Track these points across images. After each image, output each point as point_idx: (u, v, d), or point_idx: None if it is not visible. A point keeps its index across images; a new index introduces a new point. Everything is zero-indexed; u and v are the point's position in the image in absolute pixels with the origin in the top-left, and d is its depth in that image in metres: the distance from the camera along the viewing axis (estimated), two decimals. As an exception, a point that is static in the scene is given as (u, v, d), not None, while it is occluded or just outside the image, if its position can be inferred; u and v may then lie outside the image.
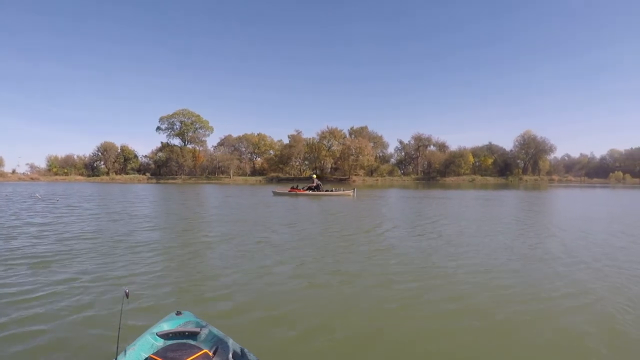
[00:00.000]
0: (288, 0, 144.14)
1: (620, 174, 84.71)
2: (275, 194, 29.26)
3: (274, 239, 9.19)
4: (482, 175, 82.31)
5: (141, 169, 78.19)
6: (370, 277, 5.83)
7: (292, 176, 75.94)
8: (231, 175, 75.41)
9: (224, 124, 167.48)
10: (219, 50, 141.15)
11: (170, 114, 77.99)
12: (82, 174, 71.22)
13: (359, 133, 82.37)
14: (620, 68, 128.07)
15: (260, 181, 70.54)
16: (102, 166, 75.70)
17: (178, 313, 3.47)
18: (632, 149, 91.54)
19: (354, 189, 30.56)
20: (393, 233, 10.49)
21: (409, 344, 3.68)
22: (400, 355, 3.49)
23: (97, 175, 70.61)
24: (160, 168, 76.36)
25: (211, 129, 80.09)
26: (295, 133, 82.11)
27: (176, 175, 73.92)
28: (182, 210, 16.69)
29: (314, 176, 32.55)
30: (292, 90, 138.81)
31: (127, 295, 3.00)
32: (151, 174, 74.81)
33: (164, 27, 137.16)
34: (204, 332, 3.16)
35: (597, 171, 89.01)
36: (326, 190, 29.08)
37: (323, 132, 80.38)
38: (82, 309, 4.62)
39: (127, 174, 73.58)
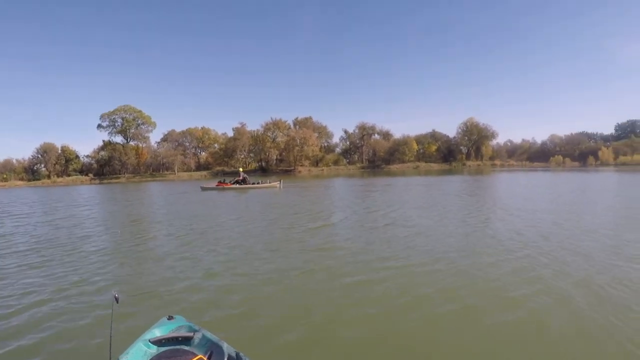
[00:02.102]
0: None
1: (560, 158, 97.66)
2: (204, 189, 33.05)
3: (233, 236, 10.88)
4: (426, 162, 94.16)
5: (83, 170, 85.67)
6: (358, 274, 6.72)
7: (244, 169, 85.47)
8: (176, 171, 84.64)
9: (167, 119, 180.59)
10: (159, 45, 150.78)
11: (112, 110, 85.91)
12: (22, 179, 78.18)
13: (304, 124, 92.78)
14: (557, 60, 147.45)
15: (205, 176, 79.10)
16: (43, 169, 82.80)
17: (170, 318, 3.77)
18: (571, 134, 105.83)
19: (280, 181, 34.90)
20: (340, 223, 12.57)
21: (410, 344, 4.29)
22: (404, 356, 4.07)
23: (38, 179, 77.66)
24: (103, 168, 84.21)
25: (154, 125, 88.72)
26: (239, 126, 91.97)
27: (119, 174, 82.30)
28: (133, 210, 19.81)
29: (240, 169, 37.70)
30: (235, 83, 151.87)
31: (116, 300, 3.21)
32: (94, 175, 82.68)
33: (100, 23, 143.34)
34: (197, 337, 3.41)
35: (539, 155, 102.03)
36: (253, 183, 33.09)
37: (267, 124, 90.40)
38: (68, 317, 5.23)
39: (69, 175, 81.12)
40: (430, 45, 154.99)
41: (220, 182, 34.06)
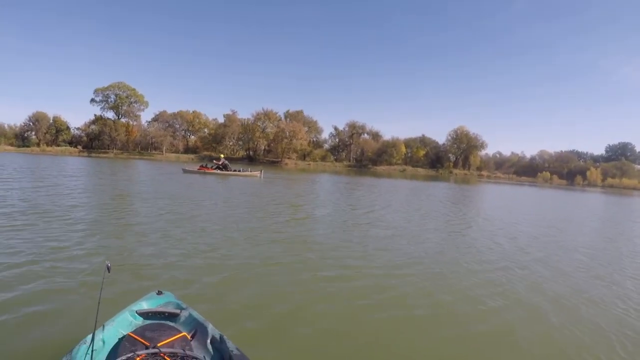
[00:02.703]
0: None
1: (548, 174, 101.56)
2: (185, 171, 34.18)
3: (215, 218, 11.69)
4: (413, 166, 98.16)
5: (73, 141, 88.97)
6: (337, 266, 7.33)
7: (225, 156, 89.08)
8: (164, 152, 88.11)
9: (160, 99, 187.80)
10: (156, 24, 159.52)
11: (106, 86, 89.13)
12: (12, 144, 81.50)
13: (295, 117, 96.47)
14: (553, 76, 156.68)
15: (192, 159, 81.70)
16: (33, 137, 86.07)
17: (159, 293, 3.95)
18: (561, 151, 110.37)
19: (261, 170, 36.49)
20: (322, 218, 13.15)
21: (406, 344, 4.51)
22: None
23: (28, 146, 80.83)
24: (93, 141, 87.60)
25: (146, 104, 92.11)
26: (230, 113, 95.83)
27: (108, 149, 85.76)
28: (120, 185, 21.04)
29: (222, 156, 38.40)
30: (229, 70, 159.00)
31: (108, 269, 3.27)
32: (83, 147, 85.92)
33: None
34: (183, 315, 3.60)
35: (526, 170, 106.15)
36: (234, 170, 34.63)
37: (258, 114, 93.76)
38: (59, 281, 5.57)
39: (58, 145, 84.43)
40: (427, 50, 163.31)
41: (202, 166, 35.71)
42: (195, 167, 35.34)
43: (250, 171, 35.67)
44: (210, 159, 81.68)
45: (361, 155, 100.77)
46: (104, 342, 3.13)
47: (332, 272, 7.00)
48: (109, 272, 3.25)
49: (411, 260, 8.16)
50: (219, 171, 33.89)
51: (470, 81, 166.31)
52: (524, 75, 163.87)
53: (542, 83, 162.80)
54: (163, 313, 3.65)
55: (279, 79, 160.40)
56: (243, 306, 5.23)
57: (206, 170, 33.92)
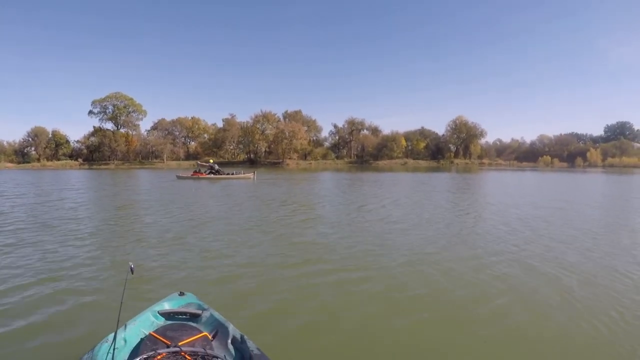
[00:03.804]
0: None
1: (549, 158, 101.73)
2: (179, 177, 34.64)
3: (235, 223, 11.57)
4: (414, 159, 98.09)
5: (73, 155, 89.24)
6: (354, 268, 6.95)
7: (226, 160, 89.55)
8: (165, 160, 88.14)
9: (158, 107, 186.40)
10: (152, 32, 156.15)
11: (103, 97, 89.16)
12: (12, 161, 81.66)
13: (293, 117, 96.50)
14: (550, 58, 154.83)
15: (194, 165, 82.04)
16: (33, 152, 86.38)
17: (181, 294, 4.01)
18: (561, 135, 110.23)
19: (254, 172, 36.82)
20: (327, 216, 13.05)
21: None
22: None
23: (28, 162, 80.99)
24: (93, 153, 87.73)
25: (144, 113, 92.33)
26: (229, 117, 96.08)
27: (109, 160, 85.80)
28: (123, 196, 21.31)
29: (211, 160, 39.94)
30: (227, 73, 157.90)
31: (132, 270, 3.37)
32: (83, 160, 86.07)
33: (93, 9, 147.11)
34: (205, 315, 3.63)
35: (527, 155, 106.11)
36: (227, 174, 34.87)
37: (257, 116, 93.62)
38: (86, 282, 5.90)
39: (58, 159, 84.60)
40: (420, 41, 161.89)
41: (195, 171, 35.67)
42: (189, 174, 35.43)
43: (243, 173, 35.84)
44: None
45: (362, 151, 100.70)
46: (125, 341, 3.16)
47: (352, 273, 6.79)
48: (132, 273, 3.36)
49: (430, 255, 7.95)
50: (211, 175, 34.17)
51: (469, 69, 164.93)
52: (518, 61, 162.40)
53: (536, 66, 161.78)
54: (185, 313, 3.68)
55: (276, 80, 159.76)
56: (265, 307, 5.23)
57: (200, 176, 34.09)
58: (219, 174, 34.61)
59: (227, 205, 16.46)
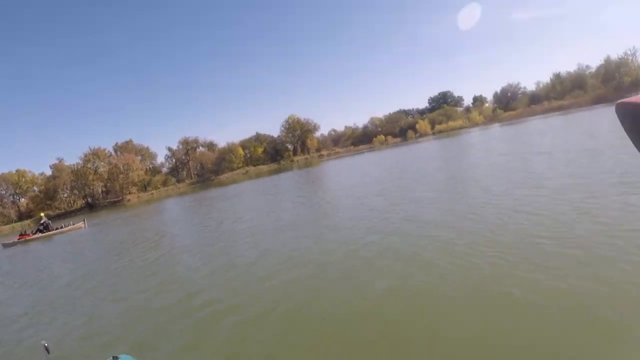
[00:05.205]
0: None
1: (382, 137, 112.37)
2: (5, 245, 30.30)
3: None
4: (255, 166, 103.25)
5: None
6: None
7: (63, 210, 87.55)
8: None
9: None
10: None
11: None
12: None
13: (125, 148, 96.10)
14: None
15: (29, 225, 74.42)
16: None
17: (114, 358, 3.55)
18: (390, 114, 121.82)
19: (84, 220, 35.28)
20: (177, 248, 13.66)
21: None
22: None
23: None
24: None
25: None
26: (57, 162, 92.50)
27: None
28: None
29: (42, 214, 36.84)
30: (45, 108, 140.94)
31: (47, 350, 3.01)
32: None
33: None
34: None
35: (362, 139, 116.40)
36: (56, 228, 32.38)
37: (86, 155, 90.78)
38: None
39: None
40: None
41: (21, 234, 32.89)
42: (15, 238, 32.18)
43: (73, 224, 34.08)
44: (48, 218, 77.75)
45: (202, 169, 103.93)
46: None
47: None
48: (48, 353, 3.11)
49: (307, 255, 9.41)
50: (39, 234, 31.51)
51: (293, 69, 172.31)
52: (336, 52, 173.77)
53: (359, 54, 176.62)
54: None
55: (104, 115, 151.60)
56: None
57: (27, 237, 31.42)
58: (49, 229, 32.14)
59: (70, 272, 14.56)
